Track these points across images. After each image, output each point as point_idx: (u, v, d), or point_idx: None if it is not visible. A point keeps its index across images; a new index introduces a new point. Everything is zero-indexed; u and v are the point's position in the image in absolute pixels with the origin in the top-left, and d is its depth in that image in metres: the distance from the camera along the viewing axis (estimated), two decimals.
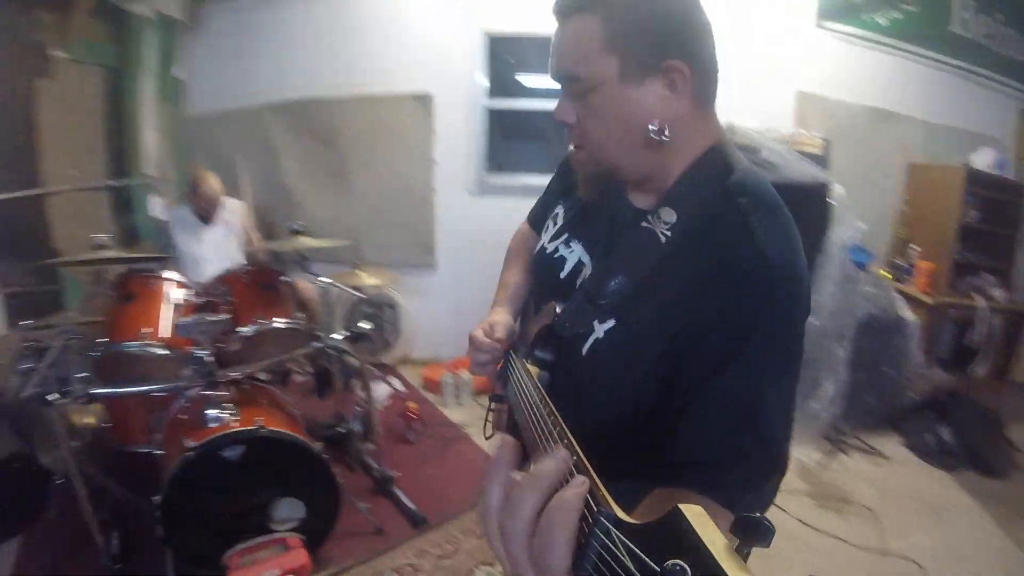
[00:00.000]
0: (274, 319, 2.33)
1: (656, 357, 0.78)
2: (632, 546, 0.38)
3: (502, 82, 3.94)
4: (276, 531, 2.14)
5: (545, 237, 1.05)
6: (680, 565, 0.34)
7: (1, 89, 2.70)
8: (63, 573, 2.11)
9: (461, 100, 3.82)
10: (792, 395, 0.78)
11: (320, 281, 3.08)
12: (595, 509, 0.42)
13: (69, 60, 3.00)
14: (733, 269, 0.73)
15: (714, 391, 0.73)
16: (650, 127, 0.79)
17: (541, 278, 1.06)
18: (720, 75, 0.83)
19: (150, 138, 3.70)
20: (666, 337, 0.77)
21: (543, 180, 2.93)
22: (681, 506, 0.38)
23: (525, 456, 0.58)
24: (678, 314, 0.76)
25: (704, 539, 0.35)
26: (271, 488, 2.14)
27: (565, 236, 1.00)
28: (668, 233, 0.79)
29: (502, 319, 1.10)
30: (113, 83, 3.39)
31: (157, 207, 3.70)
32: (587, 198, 0.96)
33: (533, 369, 0.88)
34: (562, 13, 0.82)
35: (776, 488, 0.79)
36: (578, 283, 0.92)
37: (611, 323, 0.83)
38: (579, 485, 0.45)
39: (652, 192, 0.87)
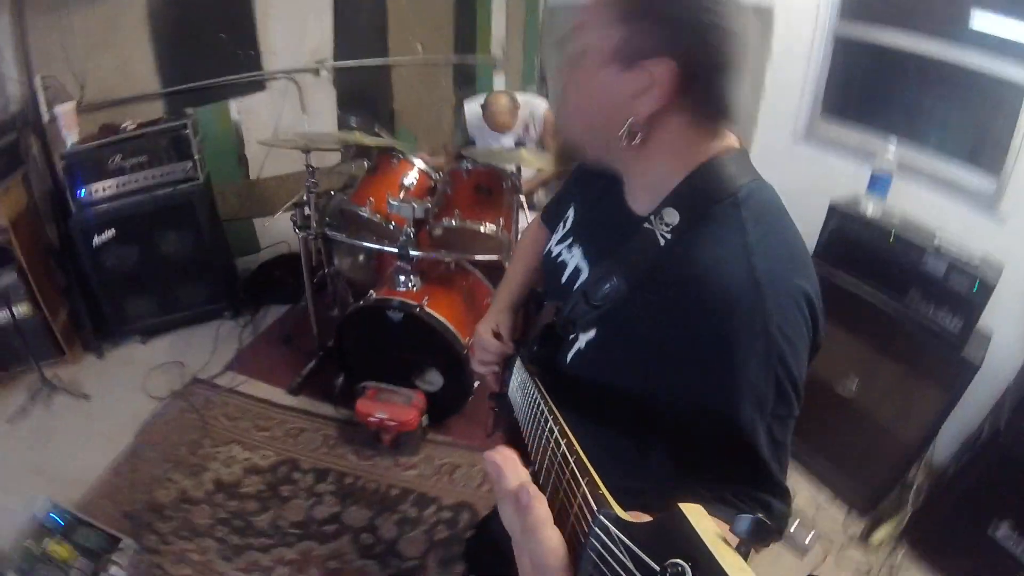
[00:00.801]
0: (469, 219, 2.55)
1: (637, 370, 0.76)
2: (632, 545, 0.38)
3: (861, 4, 3.06)
4: (418, 387, 2.65)
5: (554, 239, 1.04)
6: (680, 565, 0.34)
7: None
8: (297, 335, 3.05)
9: (806, 19, 3.07)
10: (789, 431, 0.73)
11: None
12: (594, 508, 0.42)
13: None
14: (724, 290, 0.69)
15: (705, 420, 0.71)
16: (627, 123, 0.74)
17: (547, 280, 1.06)
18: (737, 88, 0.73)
19: (499, 23, 4.15)
20: (646, 350, 0.75)
21: (881, 142, 2.35)
22: (681, 505, 0.37)
23: (524, 455, 0.63)
24: (663, 330, 0.73)
25: (704, 538, 0.35)
26: (425, 353, 2.60)
27: (569, 240, 0.98)
28: (668, 236, 0.75)
29: (506, 319, 1.15)
30: None
31: (500, 84, 4.21)
32: (557, 166, 0.96)
33: (534, 368, 0.91)
34: None
35: (786, 519, 0.75)
36: (574, 289, 0.91)
37: (592, 334, 0.83)
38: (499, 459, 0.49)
39: (649, 197, 0.81)
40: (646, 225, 0.77)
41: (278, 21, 3.13)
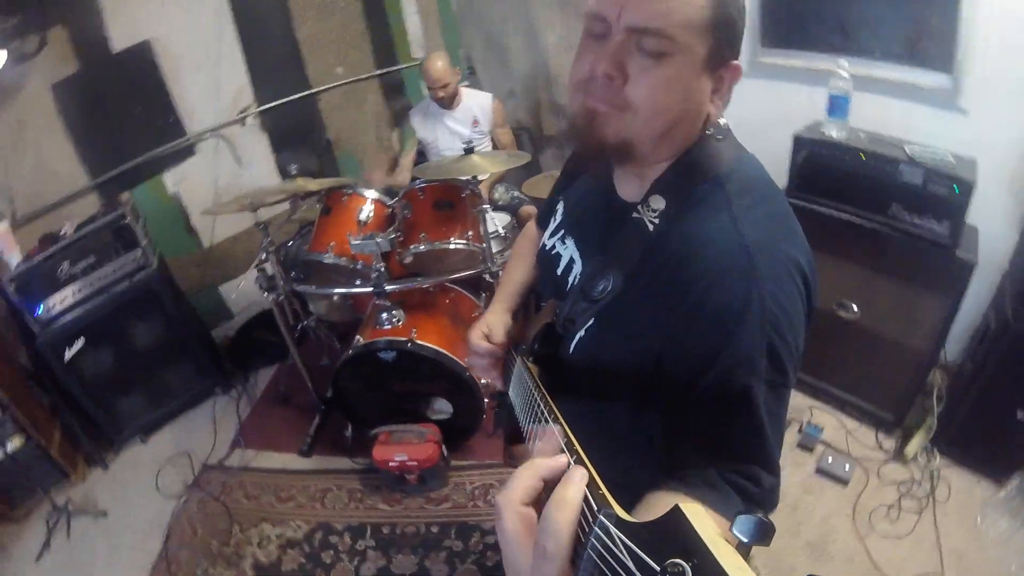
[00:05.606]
0: (440, 240, 2.48)
1: (638, 355, 0.76)
2: (632, 545, 0.38)
3: None
4: (430, 418, 2.60)
5: (546, 234, 1.05)
6: (680, 564, 0.34)
7: (263, 16, 3.24)
8: (294, 392, 3.01)
9: None
10: (783, 403, 0.73)
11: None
12: (595, 508, 0.42)
13: None
14: (714, 260, 0.70)
15: (700, 390, 0.69)
16: (717, 123, 0.79)
17: (542, 274, 1.08)
18: None
19: (414, 23, 3.99)
20: (645, 327, 0.75)
21: (830, 63, 2.27)
22: (681, 505, 0.37)
23: (524, 453, 0.64)
24: (659, 310, 0.73)
25: (704, 538, 0.35)
26: (427, 383, 2.54)
27: (562, 233, 1.00)
28: (656, 221, 0.77)
29: (500, 320, 1.14)
30: None
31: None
32: (574, 156, 1.00)
33: (534, 367, 0.91)
34: None
35: (776, 494, 0.74)
36: (570, 280, 0.92)
37: (591, 322, 0.83)
38: (579, 480, 0.46)
39: (639, 182, 0.83)
40: (635, 215, 0.79)
41: (190, 80, 2.98)
